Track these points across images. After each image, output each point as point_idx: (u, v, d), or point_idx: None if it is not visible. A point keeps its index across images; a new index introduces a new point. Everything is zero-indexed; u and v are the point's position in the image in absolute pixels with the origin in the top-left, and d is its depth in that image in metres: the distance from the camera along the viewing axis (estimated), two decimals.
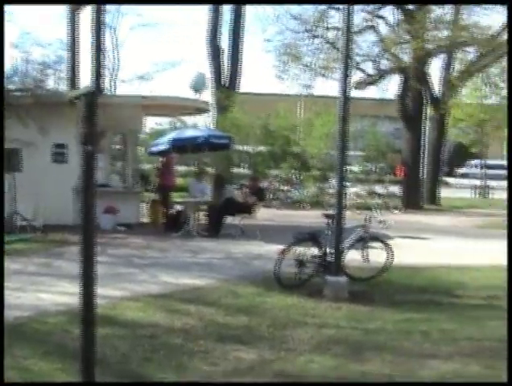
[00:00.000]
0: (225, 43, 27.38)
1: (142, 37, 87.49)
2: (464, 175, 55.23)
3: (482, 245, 15.43)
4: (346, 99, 9.31)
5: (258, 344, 6.73)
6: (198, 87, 20.29)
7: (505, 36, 26.07)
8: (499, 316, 8.41)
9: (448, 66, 29.41)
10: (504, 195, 35.20)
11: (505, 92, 36.94)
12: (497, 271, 11.60)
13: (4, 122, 11.16)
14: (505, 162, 63.15)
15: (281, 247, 9.76)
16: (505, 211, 26.95)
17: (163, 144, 16.95)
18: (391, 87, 28.22)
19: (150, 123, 41.22)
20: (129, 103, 16.53)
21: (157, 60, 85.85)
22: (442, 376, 5.95)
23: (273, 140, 26.07)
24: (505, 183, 45.48)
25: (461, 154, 53.82)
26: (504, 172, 59.64)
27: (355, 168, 27.72)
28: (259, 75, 70.19)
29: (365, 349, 6.73)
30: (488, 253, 13.93)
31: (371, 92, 30.21)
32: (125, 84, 45.12)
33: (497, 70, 32.27)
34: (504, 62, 30.54)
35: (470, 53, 26.97)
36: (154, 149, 17.91)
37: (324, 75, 26.31)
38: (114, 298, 8.47)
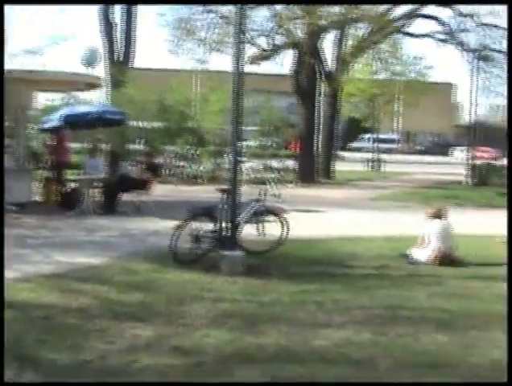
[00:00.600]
0: (117, 16, 26.78)
1: (31, 10, 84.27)
2: (357, 149, 56.68)
3: (374, 217, 15.91)
4: (240, 74, 9.33)
5: (155, 320, 6.71)
6: (90, 61, 19.82)
7: (394, 13, 26.85)
8: (388, 285, 8.76)
9: (340, 42, 29.91)
10: (396, 168, 36.49)
11: (395, 68, 38.13)
12: (388, 241, 12.04)
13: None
14: (395, 136, 65.26)
15: (177, 223, 9.73)
16: (396, 183, 27.92)
17: (55, 120, 16.45)
18: (286, 62, 28.43)
19: (42, 99, 39.90)
20: (15, 78, 15.91)
21: (48, 34, 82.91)
22: (335, 344, 6.13)
23: (168, 115, 25.82)
24: (397, 157, 46.88)
25: (354, 129, 55.17)
26: (395, 146, 61.69)
27: (251, 143, 27.89)
28: (154, 50, 69.24)
29: (261, 321, 6.82)
30: (379, 224, 14.40)
31: (266, 67, 30.33)
32: (14, 58, 43.27)
33: (387, 46, 33.22)
34: (392, 38, 31.49)
35: (361, 29, 27.56)
36: (46, 125, 17.37)
37: (218, 50, 26.26)
38: (5, 280, 8.21)
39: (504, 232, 12.21)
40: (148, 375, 5.23)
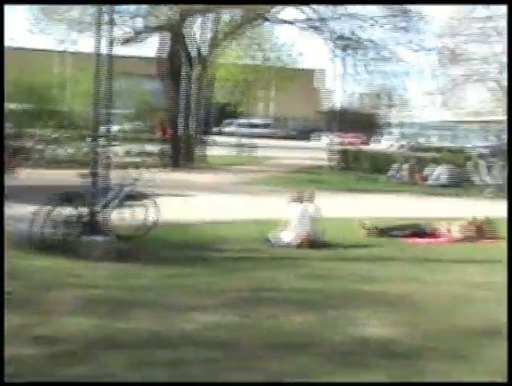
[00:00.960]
0: None
1: None
2: (229, 134, 57.06)
3: (244, 201, 16.14)
4: (107, 56, 9.20)
5: (18, 309, 6.50)
6: None
7: None
8: (257, 267, 8.96)
9: (210, 26, 29.91)
10: (267, 153, 37.05)
11: (266, 54, 38.65)
12: (257, 225, 12.24)
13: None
14: (267, 121, 66.26)
15: (41, 207, 9.45)
16: (267, 168, 28.38)
17: None
18: (155, 45, 28.17)
19: None
20: None
21: None
22: (204, 326, 6.20)
23: (34, 97, 24.99)
24: (268, 141, 47.54)
25: (227, 113, 55.52)
26: (266, 130, 62.63)
27: (122, 126, 27.48)
28: (18, 29, 66.53)
29: (131, 307, 6.77)
30: (249, 208, 14.64)
31: (136, 50, 29.95)
32: None
33: (258, 32, 33.64)
34: (263, 25, 31.89)
35: (232, 15, 27.72)
36: None
37: (85, 32, 25.63)
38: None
39: (366, 214, 12.79)
40: (9, 366, 5.05)
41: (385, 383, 5.13)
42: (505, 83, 33.38)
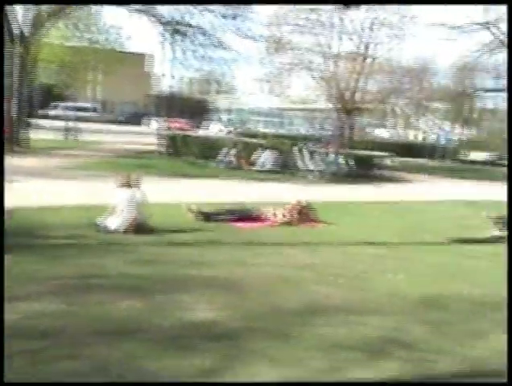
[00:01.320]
0: None
1: None
2: (55, 117, 55.23)
3: (69, 186, 15.77)
4: None
5: None
6: None
7: None
8: (83, 254, 8.84)
9: (34, 5, 28.71)
10: (94, 138, 36.32)
11: (94, 36, 37.77)
12: (84, 211, 12.05)
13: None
14: (94, 105, 64.82)
15: None
16: (93, 153, 27.82)
17: None
18: None
19: None
20: None
21: None
22: (28, 316, 6.04)
23: None
24: (95, 126, 46.51)
25: (52, 96, 53.66)
26: (93, 114, 61.27)
27: None
28: None
29: None
30: (75, 194, 14.36)
31: None
32: None
33: (85, 13, 32.77)
34: (91, 6, 31.11)
35: None
36: None
37: None
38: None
39: (194, 199, 12.95)
40: None
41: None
42: (327, 73, 34.95)
